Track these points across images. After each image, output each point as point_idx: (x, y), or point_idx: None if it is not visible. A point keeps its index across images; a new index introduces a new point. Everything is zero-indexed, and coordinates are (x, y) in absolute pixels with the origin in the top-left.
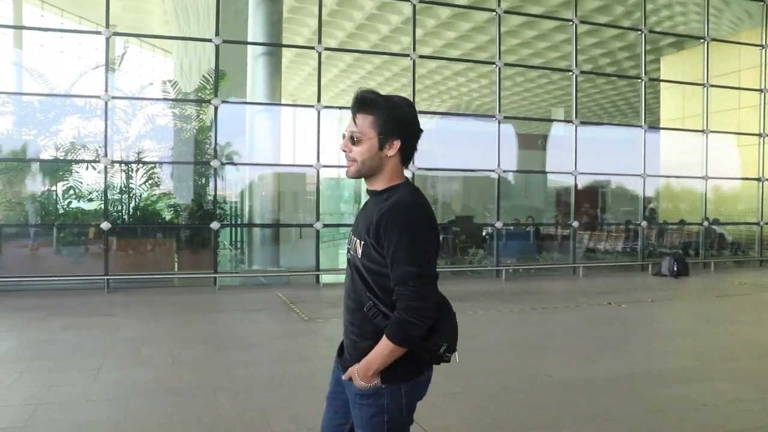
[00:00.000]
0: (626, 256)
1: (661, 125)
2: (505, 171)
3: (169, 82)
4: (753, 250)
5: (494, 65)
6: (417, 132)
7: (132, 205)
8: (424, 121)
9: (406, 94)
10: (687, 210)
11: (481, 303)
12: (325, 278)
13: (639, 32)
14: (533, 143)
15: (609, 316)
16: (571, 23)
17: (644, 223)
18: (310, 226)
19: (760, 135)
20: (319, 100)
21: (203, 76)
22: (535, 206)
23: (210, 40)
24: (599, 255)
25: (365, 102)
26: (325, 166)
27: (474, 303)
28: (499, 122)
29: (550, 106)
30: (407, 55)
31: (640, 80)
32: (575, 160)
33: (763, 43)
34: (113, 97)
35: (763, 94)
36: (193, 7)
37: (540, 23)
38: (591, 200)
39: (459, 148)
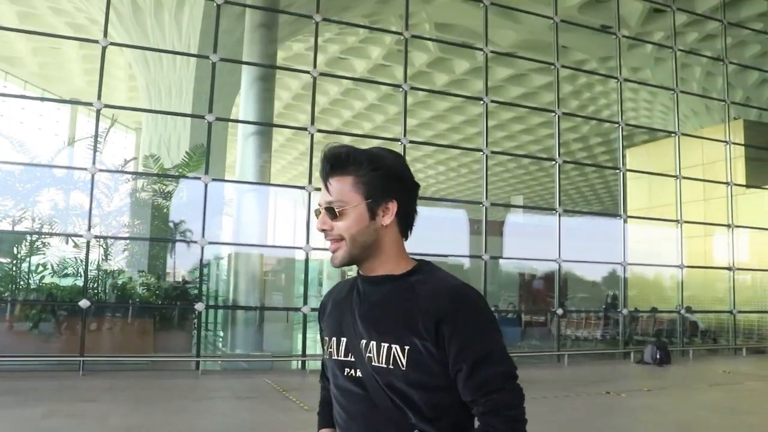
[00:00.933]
0: (605, 343)
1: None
2: (492, 257)
3: (152, 157)
4: (722, 337)
5: (482, 152)
6: (414, 187)
7: (109, 282)
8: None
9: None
10: (656, 298)
11: None
12: (312, 364)
13: (617, 125)
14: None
15: (614, 405)
16: (554, 114)
17: (625, 311)
18: (298, 309)
19: (729, 226)
20: (310, 181)
21: (186, 152)
22: (494, 292)
23: (203, 117)
24: (580, 342)
25: (339, 160)
26: (315, 249)
27: None
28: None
29: (505, 194)
30: (398, 140)
31: (618, 170)
32: (559, 247)
33: (727, 139)
34: (100, 170)
35: (729, 187)
36: (165, 82)
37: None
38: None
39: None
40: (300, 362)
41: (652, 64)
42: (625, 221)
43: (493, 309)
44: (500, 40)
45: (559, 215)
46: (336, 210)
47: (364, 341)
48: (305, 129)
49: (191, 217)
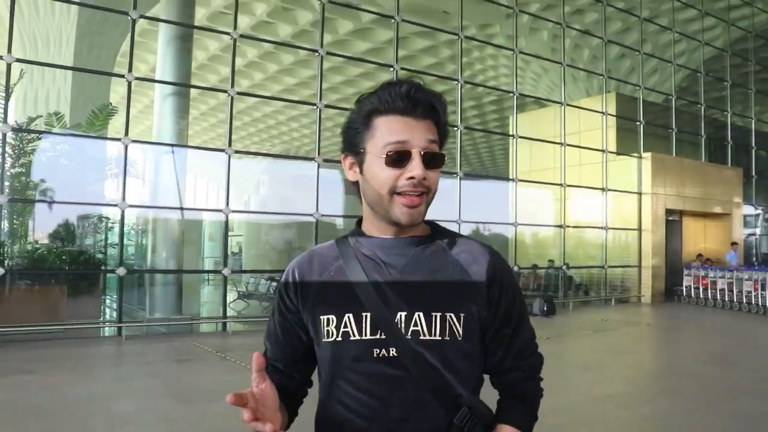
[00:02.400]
0: None
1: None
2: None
3: (55, 115)
4: (593, 290)
5: (315, 106)
6: None
7: (17, 248)
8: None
9: (223, 131)
10: (536, 255)
11: None
12: (234, 326)
13: (512, 94)
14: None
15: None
16: (456, 83)
17: (515, 268)
18: (218, 272)
19: (603, 189)
20: (230, 144)
21: (92, 111)
22: None
23: (123, 76)
24: None
25: (439, 101)
26: (235, 212)
27: None
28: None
29: None
30: (225, 91)
31: (512, 137)
32: (459, 209)
33: (603, 110)
34: (14, 129)
35: (604, 154)
36: (42, 32)
37: (376, 74)
38: None
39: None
40: (221, 324)
41: (527, 34)
42: (516, 184)
43: None
44: (385, 2)
45: (460, 179)
46: (442, 159)
47: (403, 314)
48: (225, 91)
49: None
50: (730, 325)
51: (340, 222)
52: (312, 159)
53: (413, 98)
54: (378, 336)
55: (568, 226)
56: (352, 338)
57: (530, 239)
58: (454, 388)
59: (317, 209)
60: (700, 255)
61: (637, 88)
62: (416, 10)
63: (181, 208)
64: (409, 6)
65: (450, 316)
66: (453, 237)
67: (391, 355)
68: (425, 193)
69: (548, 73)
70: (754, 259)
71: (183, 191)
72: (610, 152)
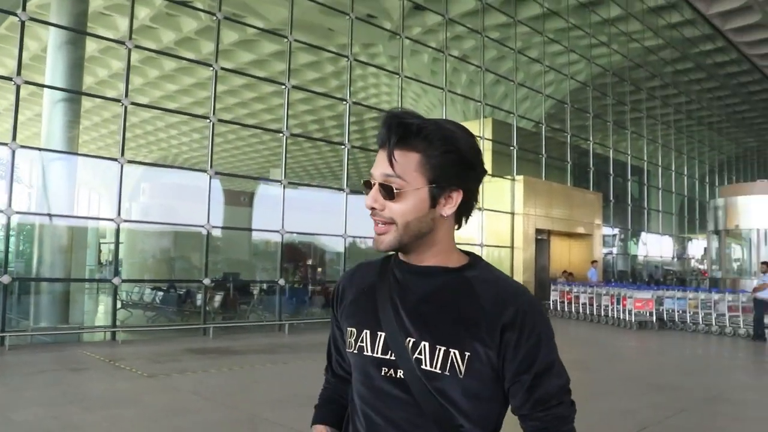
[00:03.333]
0: None
1: None
2: (214, 227)
3: None
4: None
5: (208, 120)
6: (483, 174)
7: None
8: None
9: (114, 141)
10: None
11: (297, 354)
12: (122, 335)
13: (344, 102)
14: (237, 199)
15: None
16: (284, 87)
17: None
18: (108, 281)
19: (480, 209)
20: (122, 153)
21: None
22: (243, 260)
23: (11, 80)
24: None
25: (408, 131)
26: (126, 221)
27: (287, 354)
28: (210, 177)
29: (269, 165)
30: (118, 100)
31: (343, 146)
32: (282, 219)
33: (481, 134)
34: None
35: None
36: None
37: (259, 86)
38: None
39: (175, 202)
40: (111, 333)
41: (408, 55)
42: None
43: (260, 280)
44: (272, 16)
45: (284, 187)
46: (394, 189)
47: (411, 340)
48: (119, 101)
49: None
50: (591, 336)
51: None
52: (204, 171)
53: (382, 130)
54: (388, 356)
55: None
56: (365, 353)
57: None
58: (456, 418)
59: (208, 221)
60: (565, 271)
61: (511, 114)
62: (301, 25)
63: (70, 216)
64: (295, 21)
65: (454, 352)
66: (486, 273)
67: (398, 376)
68: (390, 222)
69: (427, 94)
70: (612, 276)
71: (71, 199)
72: (487, 174)
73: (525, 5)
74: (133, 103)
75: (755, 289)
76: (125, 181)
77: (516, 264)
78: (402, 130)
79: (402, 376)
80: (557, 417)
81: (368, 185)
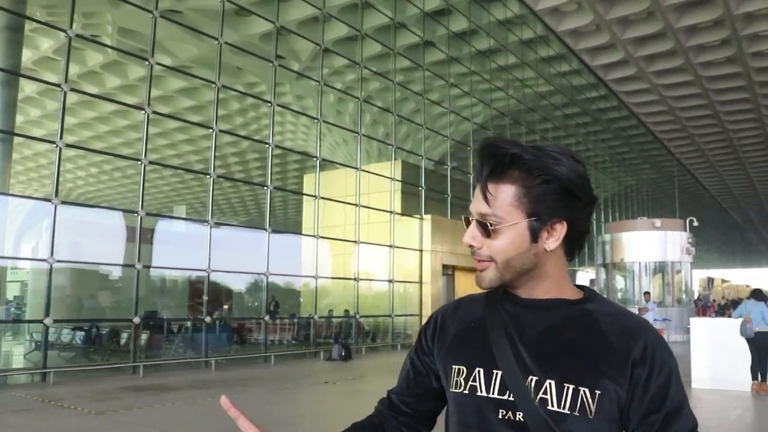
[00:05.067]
0: (297, 345)
1: (303, 232)
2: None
3: None
4: (378, 337)
5: (140, 162)
6: (591, 203)
7: None
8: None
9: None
10: (328, 305)
11: (233, 389)
12: (55, 376)
13: (267, 145)
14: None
15: (340, 390)
16: (211, 130)
17: (316, 317)
18: (40, 321)
19: (390, 246)
20: (56, 194)
21: None
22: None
23: None
24: (276, 345)
25: (501, 162)
26: (60, 261)
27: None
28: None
29: (170, 201)
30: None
31: (265, 188)
32: (209, 257)
33: (392, 175)
34: None
35: (392, 215)
36: None
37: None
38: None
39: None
40: (38, 375)
41: (315, 95)
42: (269, 234)
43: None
44: (181, 53)
45: (211, 227)
46: (490, 225)
47: (534, 378)
48: (53, 142)
49: None
50: None
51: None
52: (135, 212)
53: (479, 162)
54: (506, 397)
55: (361, 279)
56: (478, 393)
57: (321, 290)
58: None
59: (138, 259)
60: None
61: (419, 156)
62: (208, 63)
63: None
64: (201, 59)
65: (584, 391)
66: (606, 305)
67: (517, 419)
68: (490, 260)
69: (332, 132)
70: None
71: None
72: (396, 213)
73: (430, 51)
74: (68, 145)
75: (640, 311)
76: (31, 218)
77: (425, 298)
78: (495, 161)
79: (522, 419)
80: None
81: (468, 222)
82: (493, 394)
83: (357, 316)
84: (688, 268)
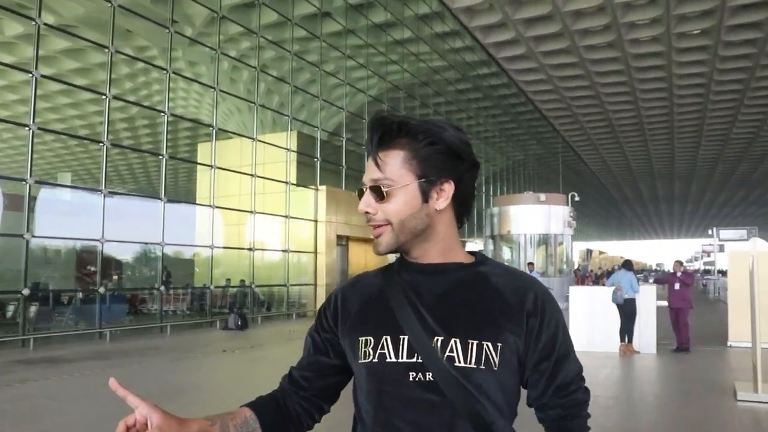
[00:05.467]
0: (190, 315)
1: (197, 201)
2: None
3: None
4: (274, 306)
5: (27, 128)
6: (474, 167)
7: None
8: None
9: None
10: (223, 274)
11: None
12: None
13: (162, 113)
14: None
15: (240, 358)
16: (105, 97)
17: (212, 287)
18: None
19: (286, 216)
20: None
21: None
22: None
23: None
24: (171, 315)
25: (389, 130)
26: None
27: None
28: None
29: (53, 168)
30: None
31: (160, 156)
32: (103, 227)
33: (288, 146)
34: None
35: (288, 185)
36: None
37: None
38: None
39: None
40: None
41: (208, 62)
42: (165, 204)
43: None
44: (65, 12)
45: (104, 196)
46: (383, 190)
47: (440, 339)
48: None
49: None
50: None
51: None
52: (23, 180)
53: (369, 132)
54: (415, 359)
55: (257, 249)
56: (388, 360)
57: (216, 260)
58: (489, 414)
59: (27, 229)
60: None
61: (315, 128)
62: (95, 23)
63: None
64: (89, 19)
65: (487, 345)
66: (497, 267)
67: (427, 379)
68: (386, 223)
69: (225, 101)
70: None
71: None
72: (292, 184)
73: (327, 22)
74: None
75: None
76: None
77: (319, 268)
78: (382, 129)
79: (432, 378)
80: (577, 403)
81: (361, 193)
82: (402, 358)
83: (253, 286)
84: (569, 240)
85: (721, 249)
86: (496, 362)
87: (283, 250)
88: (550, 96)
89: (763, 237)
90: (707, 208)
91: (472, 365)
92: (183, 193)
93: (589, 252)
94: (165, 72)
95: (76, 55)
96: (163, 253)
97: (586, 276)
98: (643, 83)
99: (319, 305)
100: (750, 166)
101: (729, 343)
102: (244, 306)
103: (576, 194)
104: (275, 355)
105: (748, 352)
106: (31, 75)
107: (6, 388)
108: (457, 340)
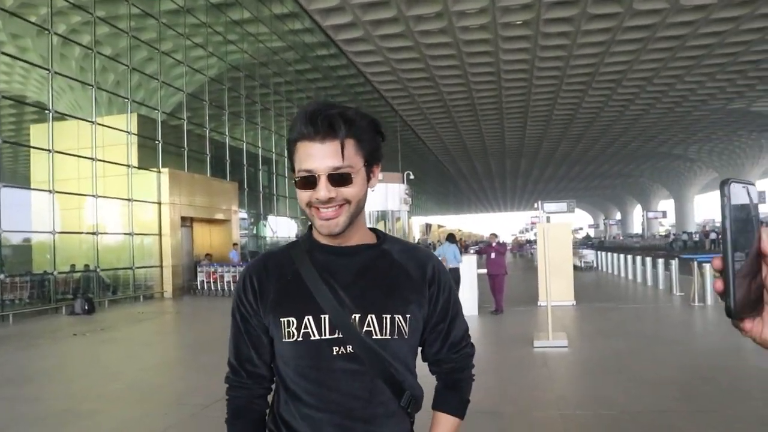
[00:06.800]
0: (30, 303)
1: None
2: None
3: None
4: (120, 289)
5: None
6: None
7: None
8: None
9: None
10: (68, 259)
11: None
12: None
13: (47, 111)
14: None
15: (89, 342)
16: None
17: (56, 272)
18: None
19: (129, 200)
20: None
21: None
22: None
23: None
24: (11, 304)
25: (347, 120)
26: None
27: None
28: None
29: None
30: None
31: (49, 151)
32: None
33: (128, 129)
34: None
35: (129, 168)
36: None
37: None
38: None
39: None
40: None
41: (33, 35)
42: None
43: None
44: None
45: None
46: (351, 176)
47: (357, 315)
48: None
49: None
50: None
51: None
52: None
53: (314, 123)
54: (336, 335)
55: (100, 233)
56: (312, 338)
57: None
58: (401, 374)
59: None
60: (208, 254)
61: (155, 110)
62: None
63: None
64: None
65: (398, 318)
66: (397, 243)
67: (348, 351)
68: (344, 204)
69: (55, 78)
70: (247, 257)
71: None
72: (134, 167)
73: (164, 1)
74: None
75: None
76: None
77: (165, 249)
78: (329, 119)
79: (353, 350)
80: (467, 355)
81: (308, 181)
82: (325, 335)
83: (98, 270)
84: (405, 216)
85: (548, 220)
86: (407, 331)
87: (127, 233)
88: (387, 77)
89: (582, 208)
90: (535, 182)
91: (387, 336)
92: (9, 175)
93: (428, 226)
94: None
95: None
96: (0, 240)
97: (432, 248)
98: (474, 67)
99: (166, 287)
100: (569, 144)
101: (539, 303)
102: (89, 290)
103: (411, 173)
104: (126, 334)
105: (552, 309)
106: None
107: None
108: (373, 316)
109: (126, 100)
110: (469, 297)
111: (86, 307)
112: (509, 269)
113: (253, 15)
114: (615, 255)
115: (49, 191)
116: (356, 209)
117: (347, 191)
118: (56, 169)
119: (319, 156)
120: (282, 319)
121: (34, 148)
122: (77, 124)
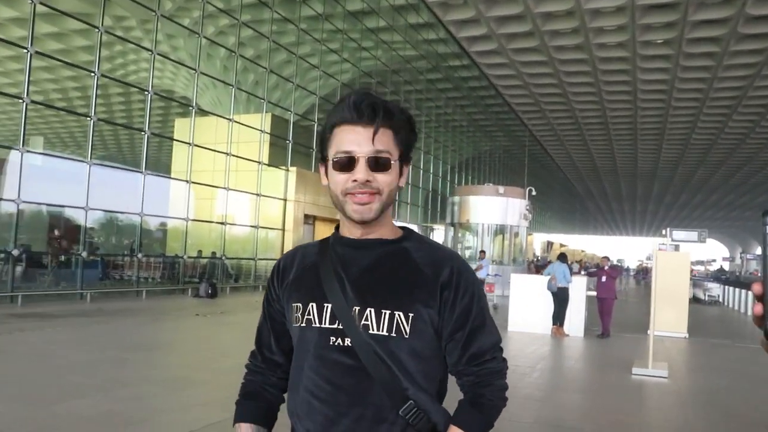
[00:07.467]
0: (161, 283)
1: (173, 176)
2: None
3: None
4: (241, 278)
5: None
6: None
7: None
8: None
9: None
10: (194, 246)
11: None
12: None
13: (146, 92)
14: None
15: (213, 321)
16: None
17: (185, 256)
18: None
19: (257, 194)
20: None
21: None
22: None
23: None
24: (146, 281)
25: (388, 110)
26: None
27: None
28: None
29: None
30: None
31: (143, 132)
32: (87, 196)
33: (262, 128)
34: None
35: (260, 165)
36: None
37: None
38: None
39: None
40: None
41: (185, 36)
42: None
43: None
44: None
45: (90, 165)
46: (391, 162)
47: (357, 308)
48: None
49: None
50: None
51: None
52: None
53: (359, 108)
54: (336, 326)
55: (229, 224)
56: (313, 325)
57: (190, 232)
58: (401, 381)
59: (19, 195)
60: None
61: (288, 111)
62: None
63: None
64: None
65: (398, 315)
66: (420, 241)
67: (345, 344)
68: (377, 193)
69: (200, 78)
70: None
71: None
72: (264, 164)
73: (304, 7)
74: None
75: (476, 268)
76: None
77: (286, 244)
78: (384, 108)
79: (350, 344)
80: (491, 371)
81: (346, 163)
82: (325, 324)
83: (223, 258)
84: (524, 232)
85: (676, 249)
86: (407, 330)
87: (252, 226)
88: (519, 91)
89: (716, 239)
90: (668, 209)
91: (384, 332)
92: (153, 164)
93: (549, 244)
94: (150, 53)
95: (60, 38)
96: (141, 223)
97: (544, 266)
98: (609, 85)
99: None
100: (707, 171)
101: (648, 332)
102: (213, 276)
103: (533, 189)
104: (243, 319)
105: (660, 339)
106: (26, 51)
107: (8, 335)
108: (372, 310)
109: (262, 100)
110: (575, 318)
111: (209, 291)
112: (629, 295)
113: (389, 23)
114: (742, 291)
115: (186, 181)
116: (387, 200)
117: (383, 178)
118: (194, 161)
119: (361, 139)
120: (293, 305)
121: (176, 140)
122: (216, 120)
